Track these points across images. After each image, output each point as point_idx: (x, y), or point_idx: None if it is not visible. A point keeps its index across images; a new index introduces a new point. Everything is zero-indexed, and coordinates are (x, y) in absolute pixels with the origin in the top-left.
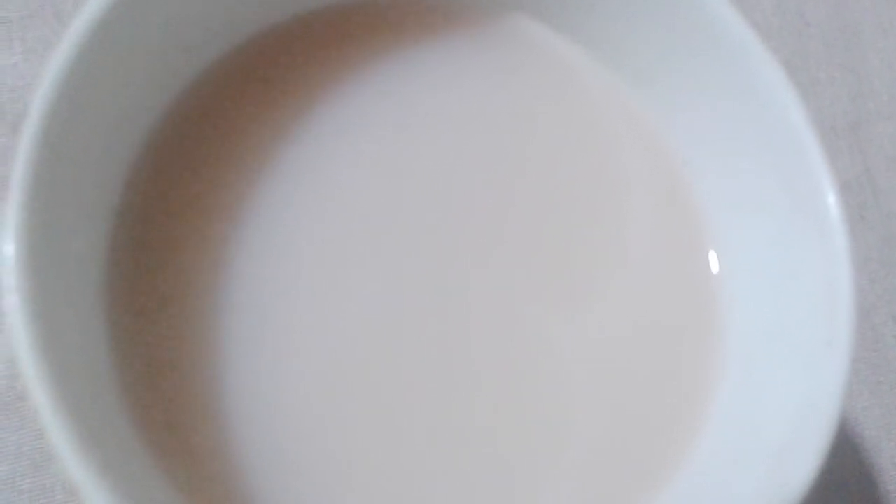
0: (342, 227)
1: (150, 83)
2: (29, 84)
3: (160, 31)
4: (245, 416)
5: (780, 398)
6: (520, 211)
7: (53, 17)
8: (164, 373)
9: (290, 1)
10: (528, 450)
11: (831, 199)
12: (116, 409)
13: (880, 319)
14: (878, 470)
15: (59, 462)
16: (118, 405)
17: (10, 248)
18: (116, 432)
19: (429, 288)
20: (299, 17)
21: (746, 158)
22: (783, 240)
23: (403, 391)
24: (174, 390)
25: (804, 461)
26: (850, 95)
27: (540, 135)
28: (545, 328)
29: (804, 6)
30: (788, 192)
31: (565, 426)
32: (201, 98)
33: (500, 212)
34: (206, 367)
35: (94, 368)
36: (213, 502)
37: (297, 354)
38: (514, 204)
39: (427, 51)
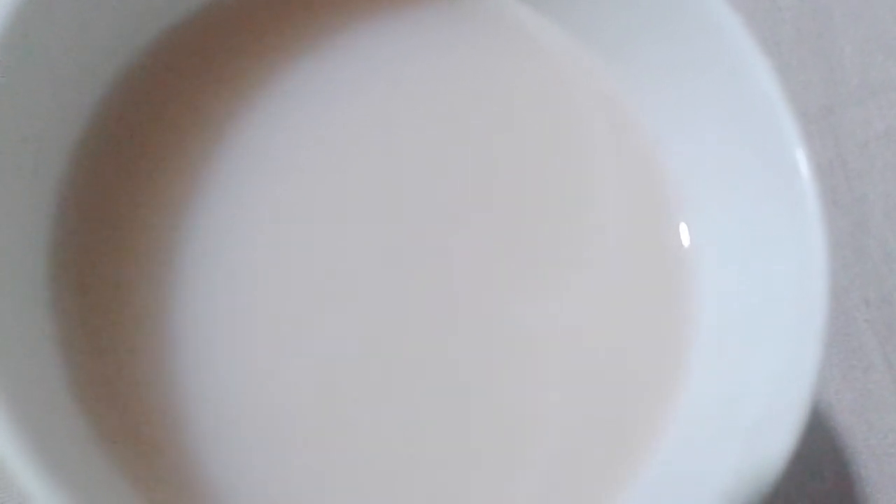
0: (301, 209)
1: (91, 59)
2: None
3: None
4: (200, 407)
5: (754, 374)
6: (489, 189)
7: None
8: (115, 364)
9: None
10: (500, 435)
11: (805, 173)
12: (65, 404)
13: (852, 304)
14: (851, 454)
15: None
16: (67, 399)
17: None
18: (64, 425)
19: (391, 270)
20: None
21: (719, 133)
22: (756, 214)
23: (369, 378)
24: (126, 381)
25: (780, 437)
26: (821, 80)
27: (510, 111)
28: (513, 310)
29: None
30: (762, 166)
31: (538, 409)
32: (147, 75)
33: (468, 190)
34: (159, 358)
35: (40, 363)
36: (167, 495)
37: (255, 342)
38: (483, 181)
39: (395, 25)
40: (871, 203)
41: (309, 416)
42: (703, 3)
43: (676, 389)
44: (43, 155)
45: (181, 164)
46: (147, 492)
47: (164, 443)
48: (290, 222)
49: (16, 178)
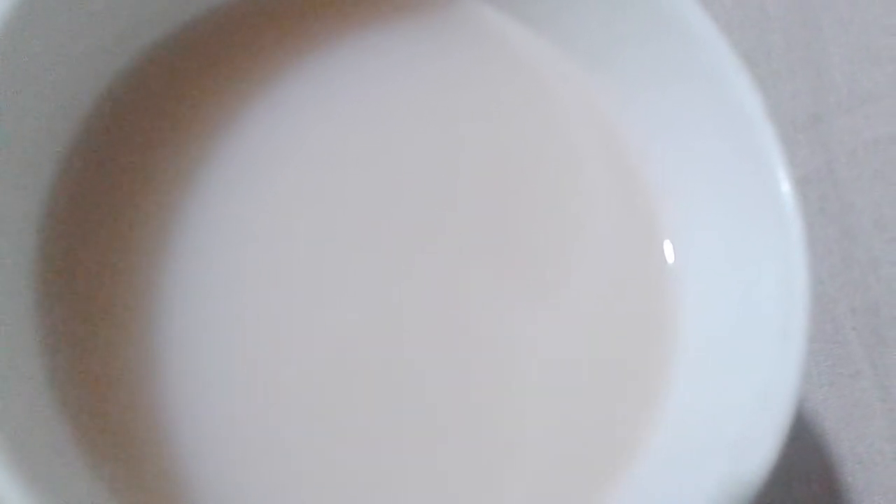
0: (288, 221)
1: (82, 66)
2: None
3: (90, 13)
4: (186, 413)
5: (736, 390)
6: (472, 200)
7: None
8: (100, 371)
9: None
10: (481, 448)
11: (786, 188)
12: (48, 414)
13: (840, 312)
14: (839, 461)
15: None
16: (49, 407)
17: None
18: (47, 434)
19: (377, 281)
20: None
21: (702, 147)
22: (739, 229)
23: (352, 388)
24: (111, 388)
25: (761, 453)
26: (810, 89)
27: (494, 122)
28: (497, 322)
29: None
30: (744, 181)
31: (518, 422)
32: (140, 82)
33: (451, 202)
34: (145, 366)
35: (23, 370)
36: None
37: (243, 350)
38: (466, 193)
39: (378, 37)
40: (859, 211)
41: (295, 424)
42: (685, 15)
43: (659, 404)
44: (32, 161)
45: (172, 169)
46: (130, 500)
47: (148, 450)
48: (281, 228)
49: (4, 185)
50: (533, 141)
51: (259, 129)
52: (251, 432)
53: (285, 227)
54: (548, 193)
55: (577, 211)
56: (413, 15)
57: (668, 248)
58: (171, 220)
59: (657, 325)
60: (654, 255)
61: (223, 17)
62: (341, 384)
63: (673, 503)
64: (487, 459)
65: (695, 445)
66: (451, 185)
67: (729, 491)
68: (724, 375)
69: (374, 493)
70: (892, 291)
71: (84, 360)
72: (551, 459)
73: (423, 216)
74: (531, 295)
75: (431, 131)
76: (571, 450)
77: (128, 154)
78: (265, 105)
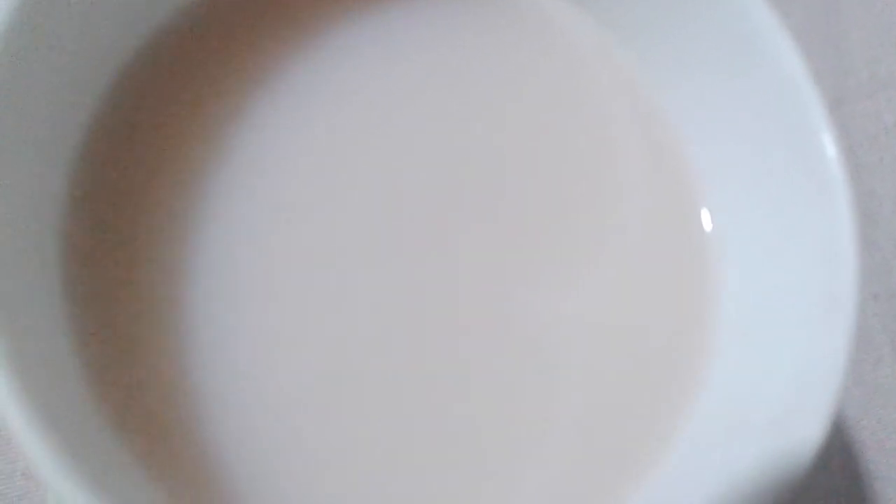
0: (315, 202)
1: (92, 56)
2: None
3: None
4: (213, 397)
5: (779, 362)
6: (507, 175)
7: None
8: (128, 356)
9: None
10: (516, 432)
11: (831, 153)
12: (78, 392)
13: (861, 298)
14: (860, 447)
15: (18, 445)
16: (80, 388)
17: None
18: (78, 414)
19: (407, 266)
20: None
21: (741, 116)
22: (780, 197)
23: (382, 376)
24: (139, 372)
25: (808, 427)
26: (831, 73)
27: (530, 97)
28: (534, 300)
29: None
30: (785, 147)
31: (556, 401)
32: (149, 70)
33: (485, 179)
34: (170, 345)
35: (53, 352)
36: (180, 481)
37: (269, 335)
38: (500, 170)
39: (413, 10)
40: (880, 197)
41: (320, 404)
42: None
43: (700, 378)
44: (55, 140)
45: (193, 151)
46: (161, 479)
47: (177, 429)
48: (302, 216)
49: (26, 170)
50: (569, 115)
51: (280, 111)
52: (281, 414)
53: (312, 212)
54: (583, 166)
55: (613, 182)
56: None
57: (706, 217)
58: (191, 201)
59: (696, 296)
60: (691, 225)
61: None
62: (370, 371)
63: (715, 478)
64: (518, 447)
65: (736, 422)
66: (486, 160)
67: (772, 466)
68: (766, 348)
69: (403, 476)
70: None
71: (113, 344)
72: (588, 437)
73: (458, 192)
74: (568, 271)
75: (464, 108)
76: (609, 426)
77: (146, 138)
78: (285, 88)
